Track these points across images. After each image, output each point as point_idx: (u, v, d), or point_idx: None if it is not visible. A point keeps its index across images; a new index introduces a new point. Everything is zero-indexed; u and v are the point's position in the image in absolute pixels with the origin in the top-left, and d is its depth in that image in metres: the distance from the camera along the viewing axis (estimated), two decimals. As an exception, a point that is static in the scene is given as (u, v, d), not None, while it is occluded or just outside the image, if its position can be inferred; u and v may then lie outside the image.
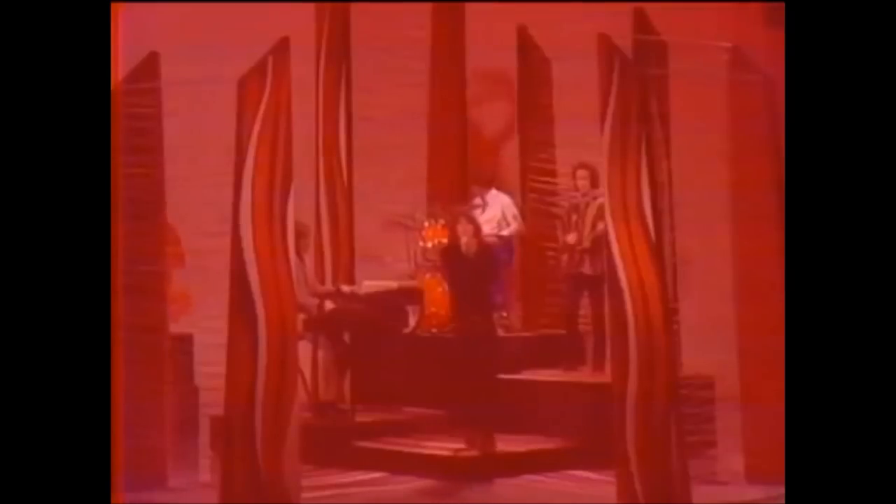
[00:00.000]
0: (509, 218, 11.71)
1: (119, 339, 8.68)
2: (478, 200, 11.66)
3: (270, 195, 8.63)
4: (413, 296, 10.94)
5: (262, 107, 8.62)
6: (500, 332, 11.35)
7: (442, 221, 11.45)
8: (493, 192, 11.73)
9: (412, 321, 11.07)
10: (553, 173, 11.90)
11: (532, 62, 12.00)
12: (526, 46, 11.99)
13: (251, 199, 8.59)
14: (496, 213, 11.70)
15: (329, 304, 10.77)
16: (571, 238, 11.04)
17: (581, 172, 11.02)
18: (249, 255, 8.57)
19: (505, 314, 11.64)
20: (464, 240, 10.10)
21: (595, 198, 10.75)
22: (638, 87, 8.77)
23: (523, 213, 11.86)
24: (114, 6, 7.94)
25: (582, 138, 10.40)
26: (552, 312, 11.67)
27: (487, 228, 11.48)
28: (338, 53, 11.54)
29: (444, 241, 11.03)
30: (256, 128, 8.63)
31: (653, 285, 8.64)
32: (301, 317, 9.76)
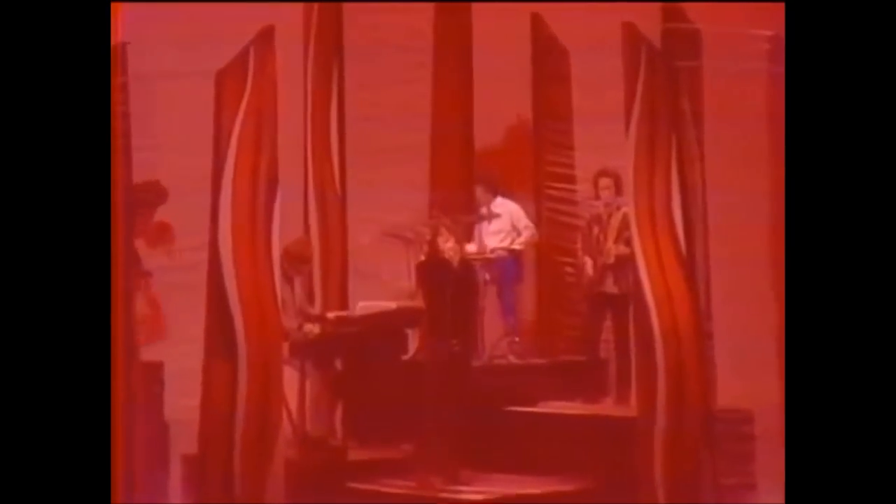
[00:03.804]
0: (520, 227, 11.65)
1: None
2: (483, 211, 11.65)
3: (253, 203, 8.70)
4: (413, 318, 10.78)
5: (244, 104, 8.72)
6: (512, 359, 11.44)
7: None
8: (499, 200, 11.67)
9: (412, 346, 10.97)
10: (572, 179, 11.90)
11: (548, 54, 11.97)
12: (541, 37, 11.97)
13: (231, 207, 8.68)
14: (503, 224, 11.64)
15: (314, 327, 10.74)
16: (588, 265, 11.02)
17: (604, 181, 11.00)
18: (229, 271, 8.66)
19: (517, 338, 11.59)
20: (446, 254, 10.29)
21: (619, 207, 10.75)
22: (667, 81, 8.98)
23: (538, 224, 11.86)
24: (114, 6, 8.23)
25: (604, 140, 10.54)
26: (570, 336, 11.68)
27: (494, 241, 11.59)
28: (329, 44, 11.46)
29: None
30: (237, 128, 8.71)
31: (684, 305, 8.81)
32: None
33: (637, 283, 8.90)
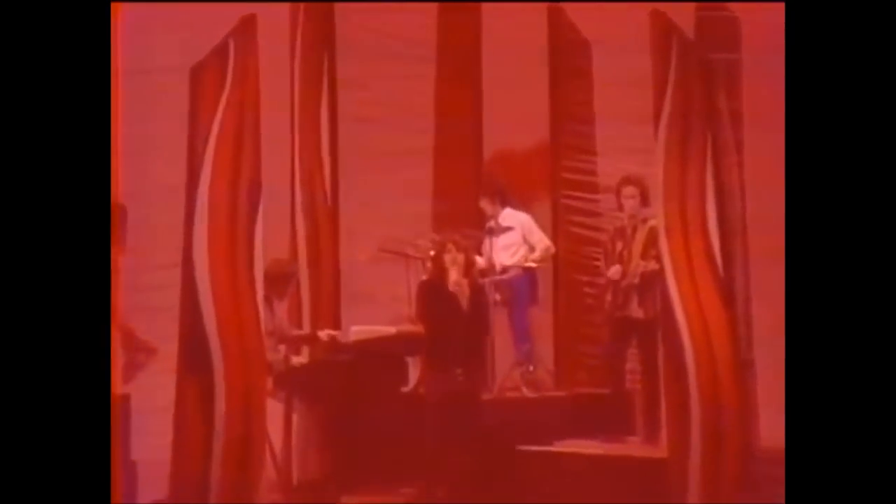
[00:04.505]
0: (533, 241, 11.62)
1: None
2: (490, 224, 11.65)
3: (232, 214, 8.72)
4: (414, 344, 10.63)
5: (222, 102, 8.75)
6: (525, 392, 11.37)
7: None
8: (507, 211, 11.62)
9: (413, 377, 10.82)
10: (593, 188, 11.95)
11: (567, 47, 12.05)
12: (559, 28, 12.03)
13: (207, 218, 8.69)
14: (514, 237, 11.59)
15: (300, 357, 10.75)
16: (615, 271, 10.88)
17: (628, 190, 10.85)
18: (205, 293, 8.69)
19: (531, 368, 11.49)
20: (452, 274, 10.36)
21: (646, 219, 10.68)
22: (702, 77, 8.97)
23: (555, 238, 11.84)
24: (114, 6, 8.38)
25: (630, 144, 10.66)
26: (591, 366, 11.69)
27: (504, 257, 11.53)
28: (319, 38, 11.44)
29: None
30: (215, 128, 8.74)
31: (720, 330, 8.80)
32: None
33: (666, 305, 8.88)
